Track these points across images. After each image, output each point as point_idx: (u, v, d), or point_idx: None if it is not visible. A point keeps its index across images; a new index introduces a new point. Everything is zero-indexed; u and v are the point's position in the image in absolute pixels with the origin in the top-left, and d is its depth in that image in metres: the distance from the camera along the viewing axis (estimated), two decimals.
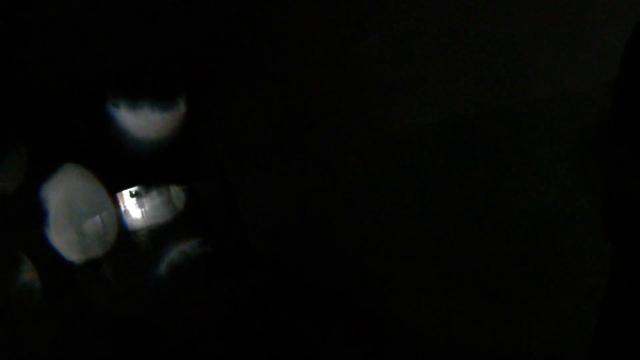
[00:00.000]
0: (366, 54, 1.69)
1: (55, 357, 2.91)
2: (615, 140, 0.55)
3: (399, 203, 1.80)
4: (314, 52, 2.08)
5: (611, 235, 0.58)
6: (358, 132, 1.92)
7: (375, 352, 2.25)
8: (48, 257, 3.56)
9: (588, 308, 1.08)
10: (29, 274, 3.02)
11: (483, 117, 1.25)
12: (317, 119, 2.27)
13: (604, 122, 0.86)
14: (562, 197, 1.10)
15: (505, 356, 1.46)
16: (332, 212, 2.45)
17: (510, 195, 1.26)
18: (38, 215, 3.61)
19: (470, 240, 1.46)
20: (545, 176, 1.14)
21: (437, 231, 1.61)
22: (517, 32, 1.08)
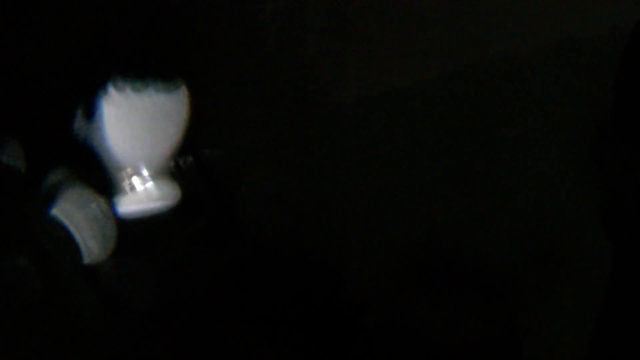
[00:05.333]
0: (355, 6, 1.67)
1: (55, 356, 2.89)
2: (616, 140, 0.55)
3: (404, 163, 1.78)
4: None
5: (611, 235, 0.58)
6: (349, 93, 1.89)
7: (372, 350, 2.23)
8: (48, 256, 3.54)
9: (588, 308, 1.07)
10: (29, 272, 3.00)
11: (479, 71, 1.18)
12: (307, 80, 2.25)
13: (603, 121, 0.86)
14: (562, 197, 1.10)
15: (504, 356, 1.45)
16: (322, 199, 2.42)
17: (509, 194, 1.25)
18: (38, 213, 3.58)
19: (466, 237, 1.45)
20: (544, 175, 1.13)
21: (432, 221, 1.60)
22: None
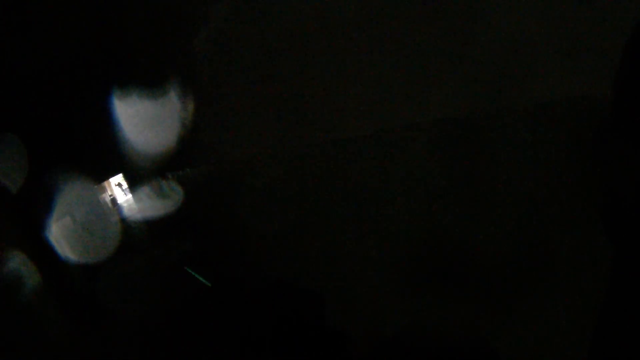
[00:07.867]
0: (365, 50, 1.69)
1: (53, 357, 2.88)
2: (616, 140, 0.55)
3: (395, 202, 1.79)
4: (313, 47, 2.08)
5: (611, 235, 0.58)
6: (351, 129, 1.91)
7: (369, 353, 2.23)
8: (47, 256, 3.53)
9: (588, 308, 1.07)
10: (28, 273, 2.99)
11: (481, 118, 1.25)
12: (313, 113, 2.26)
13: (604, 121, 0.86)
14: (562, 197, 1.10)
15: (505, 357, 1.45)
16: (325, 212, 2.43)
17: (509, 193, 1.25)
18: (37, 214, 3.57)
19: (469, 241, 1.45)
20: (545, 176, 1.13)
21: (434, 233, 1.61)
22: (518, 33, 1.07)
